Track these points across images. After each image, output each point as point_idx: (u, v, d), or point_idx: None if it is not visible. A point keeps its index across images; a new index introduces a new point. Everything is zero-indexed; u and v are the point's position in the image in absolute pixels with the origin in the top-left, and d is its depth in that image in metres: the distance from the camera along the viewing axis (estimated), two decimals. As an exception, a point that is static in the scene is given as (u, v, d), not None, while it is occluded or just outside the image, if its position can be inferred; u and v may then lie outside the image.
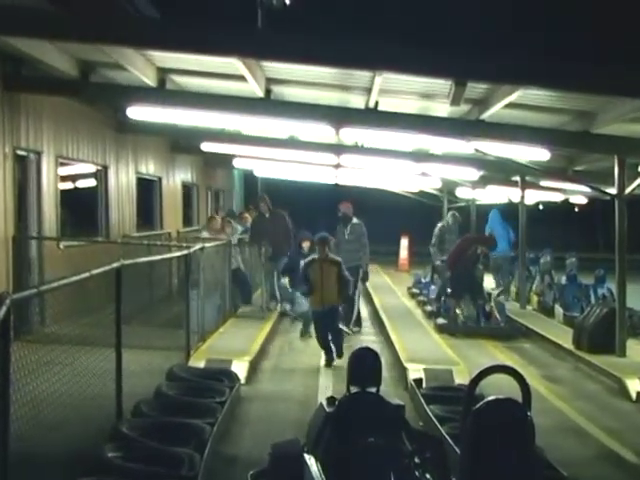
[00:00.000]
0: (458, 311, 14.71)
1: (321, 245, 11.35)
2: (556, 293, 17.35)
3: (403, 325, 14.30)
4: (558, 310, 16.26)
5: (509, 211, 20.46)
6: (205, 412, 7.40)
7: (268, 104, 11.40)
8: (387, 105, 11.49)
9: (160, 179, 19.72)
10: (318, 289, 11.13)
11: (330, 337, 11.41)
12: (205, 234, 15.33)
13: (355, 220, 14.71)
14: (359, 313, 14.65)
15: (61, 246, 13.18)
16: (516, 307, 17.42)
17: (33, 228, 12.55)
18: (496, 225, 19.76)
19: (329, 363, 11.24)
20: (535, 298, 18.06)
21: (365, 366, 5.52)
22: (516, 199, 18.36)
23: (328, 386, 9.68)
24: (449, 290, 15.36)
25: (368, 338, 13.78)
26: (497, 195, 22.74)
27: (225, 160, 22.41)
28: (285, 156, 19.03)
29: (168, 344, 10.07)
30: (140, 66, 10.85)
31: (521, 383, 4.13)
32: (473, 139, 12.10)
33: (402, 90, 10.99)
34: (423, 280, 20.23)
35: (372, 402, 5.34)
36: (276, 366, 11.32)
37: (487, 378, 4.22)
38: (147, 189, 18.91)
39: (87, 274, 6.18)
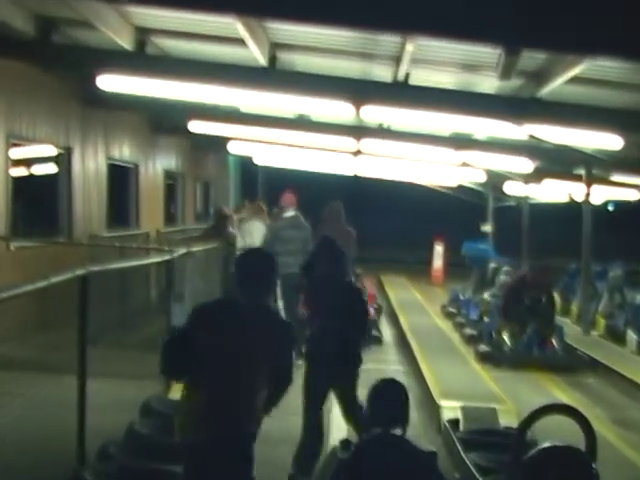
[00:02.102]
0: (505, 336, 14.66)
1: (254, 278, 5.45)
2: (629, 315, 17.27)
3: (436, 352, 14.26)
4: (631, 337, 16.17)
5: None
6: (188, 456, 7.37)
7: (272, 75, 11.40)
8: (420, 78, 11.47)
9: (137, 166, 19.76)
10: (212, 388, 5.22)
11: None
12: (261, 225, 15.04)
13: (288, 213, 13.88)
14: None
15: (12, 247, 13.19)
16: (578, 332, 17.34)
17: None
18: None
19: None
20: (602, 321, 17.97)
21: (388, 402, 5.50)
22: (579, 197, 18.28)
23: (341, 426, 9.66)
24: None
25: (392, 367, 13.74)
26: (555, 192, 22.69)
27: (218, 144, 22.42)
28: (292, 140, 19.01)
29: (144, 371, 10.02)
30: (114, 25, 10.87)
31: (584, 427, 4.10)
32: (527, 122, 12.06)
33: (439, 60, 10.97)
34: (462, 297, 20.19)
35: (397, 448, 5.31)
36: (277, 401, 11.27)
37: (541, 420, 4.19)
38: (121, 178, 18.95)
39: (44, 282, 6.17)
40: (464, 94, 11.99)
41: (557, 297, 20.76)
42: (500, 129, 13.86)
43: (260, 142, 20.61)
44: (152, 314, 14.15)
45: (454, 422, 9.49)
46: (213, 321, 5.27)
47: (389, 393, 5.61)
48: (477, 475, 7.33)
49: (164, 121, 20.22)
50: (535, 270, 15.59)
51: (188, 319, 5.37)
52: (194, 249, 12.60)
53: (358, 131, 17.32)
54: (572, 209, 20.77)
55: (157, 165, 21.35)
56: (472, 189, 26.94)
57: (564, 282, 21.14)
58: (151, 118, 20.07)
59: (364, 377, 11.68)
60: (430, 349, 14.48)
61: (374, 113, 13.30)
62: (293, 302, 13.44)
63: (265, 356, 5.22)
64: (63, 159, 15.78)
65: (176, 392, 10.02)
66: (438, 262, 28.70)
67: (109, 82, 11.84)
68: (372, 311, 17.62)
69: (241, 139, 20.77)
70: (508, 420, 9.55)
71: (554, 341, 14.55)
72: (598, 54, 9.12)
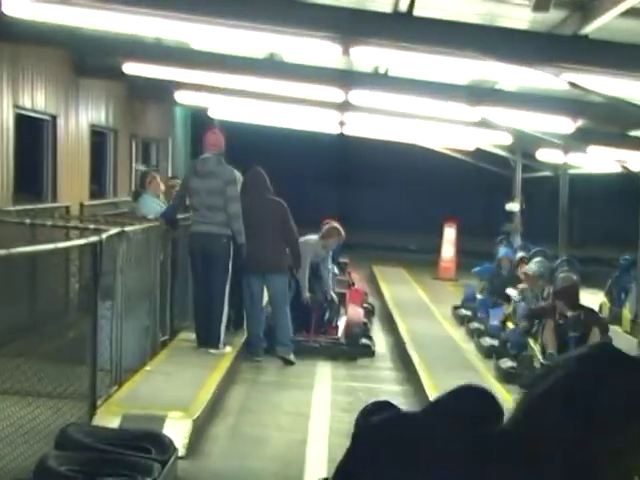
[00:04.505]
0: (535, 346, 14.70)
1: None
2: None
3: (445, 368, 14.28)
4: (700, 351, 16.30)
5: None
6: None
7: (235, 1, 11.37)
8: (428, 9, 11.47)
9: (55, 118, 19.67)
10: None
11: None
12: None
13: (206, 154, 14.59)
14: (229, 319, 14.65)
15: None
16: (631, 344, 17.41)
17: None
18: None
19: None
20: (663, 330, 18.09)
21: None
22: (636, 167, 18.34)
23: (322, 461, 9.68)
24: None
25: (387, 387, 13.79)
26: (604, 160, 22.72)
27: (162, 92, 22.41)
28: (260, 88, 18.99)
29: (60, 389, 10.04)
30: None
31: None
32: (568, 67, 12.07)
33: (454, -16, 10.99)
34: (479, 295, 20.25)
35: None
36: (236, 429, 11.31)
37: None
38: (33, 134, 18.87)
39: None
40: (486, 30, 11.99)
41: (605, 300, 20.93)
42: (532, 77, 13.87)
43: (218, 90, 20.59)
44: (72, 314, 14.13)
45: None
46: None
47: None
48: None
49: (91, 60, 20.14)
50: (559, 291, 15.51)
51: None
52: (129, 229, 12.57)
53: (346, 78, 17.31)
54: (626, 183, 20.85)
55: (81, 118, 21.26)
56: (494, 155, 26.93)
57: (614, 278, 21.22)
58: (74, 56, 19.96)
59: (350, 400, 11.72)
60: (437, 364, 14.51)
61: (367, 54, 13.29)
62: (198, 270, 14.39)
63: None
64: (-43, 108, 15.72)
65: (103, 418, 10.01)
66: (449, 250, 28.75)
67: (17, 6, 11.76)
68: (361, 313, 17.67)
69: (193, 86, 20.74)
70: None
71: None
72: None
